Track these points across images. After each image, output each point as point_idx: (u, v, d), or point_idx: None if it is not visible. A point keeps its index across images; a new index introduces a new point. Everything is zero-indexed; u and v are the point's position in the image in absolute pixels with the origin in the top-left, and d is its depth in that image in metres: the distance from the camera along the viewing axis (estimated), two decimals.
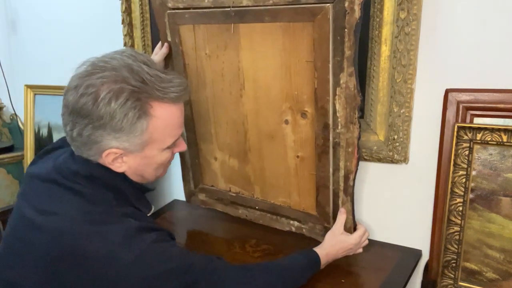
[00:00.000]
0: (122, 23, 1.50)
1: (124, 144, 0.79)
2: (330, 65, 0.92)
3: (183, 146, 0.92)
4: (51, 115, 1.83)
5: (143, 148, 0.81)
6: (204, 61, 1.12)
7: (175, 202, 1.53)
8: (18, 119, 2.05)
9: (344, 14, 0.87)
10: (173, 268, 0.75)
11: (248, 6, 0.97)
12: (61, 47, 1.83)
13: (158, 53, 1.17)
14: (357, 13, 0.86)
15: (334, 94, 0.95)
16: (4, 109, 2.12)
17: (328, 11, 0.87)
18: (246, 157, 1.18)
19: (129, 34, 1.51)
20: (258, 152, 1.15)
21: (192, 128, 1.25)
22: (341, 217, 1.06)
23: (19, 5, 1.96)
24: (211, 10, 1.03)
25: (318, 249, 1.01)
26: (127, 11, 1.48)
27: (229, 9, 1.00)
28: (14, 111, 2.05)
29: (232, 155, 1.21)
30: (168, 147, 0.85)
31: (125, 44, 1.52)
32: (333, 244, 1.03)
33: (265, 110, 1.08)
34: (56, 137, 1.83)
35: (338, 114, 0.97)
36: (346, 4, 0.86)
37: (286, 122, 1.06)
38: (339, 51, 0.91)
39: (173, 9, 1.09)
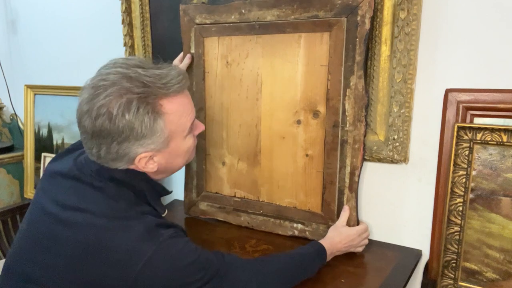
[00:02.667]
0: (122, 23, 1.50)
1: (151, 147, 0.82)
2: (342, 69, 1.05)
3: (201, 126, 0.97)
4: (51, 115, 1.83)
5: (168, 144, 0.85)
6: (225, 69, 1.24)
7: (175, 202, 1.53)
8: (18, 119, 2.05)
9: (356, 26, 1.02)
10: (191, 263, 0.78)
11: (272, 21, 1.13)
12: (61, 47, 1.83)
13: (181, 64, 1.26)
14: (367, 25, 1.01)
15: (344, 95, 1.07)
16: (4, 109, 2.12)
17: (343, 23, 1.03)
18: (255, 159, 1.23)
19: (129, 34, 1.51)
20: (268, 153, 1.21)
21: (203, 134, 1.30)
22: (345, 213, 1.11)
23: (19, 5, 1.96)
24: (236, 24, 1.18)
25: (322, 241, 1.05)
26: (127, 11, 1.49)
27: (254, 23, 1.15)
28: (14, 111, 2.05)
29: (241, 158, 1.26)
30: (189, 132, 0.89)
31: (125, 44, 1.52)
32: (336, 235, 1.07)
33: (280, 112, 1.17)
34: (56, 137, 1.83)
35: (347, 113, 1.08)
36: (358, 18, 1.02)
37: (299, 122, 1.15)
38: (351, 57, 1.05)
39: (200, 24, 1.24)
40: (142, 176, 0.86)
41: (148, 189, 0.87)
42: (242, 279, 0.86)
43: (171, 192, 0.96)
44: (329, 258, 1.04)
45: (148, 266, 0.73)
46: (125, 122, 0.77)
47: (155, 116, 0.80)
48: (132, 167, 0.84)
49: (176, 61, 1.30)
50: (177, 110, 0.84)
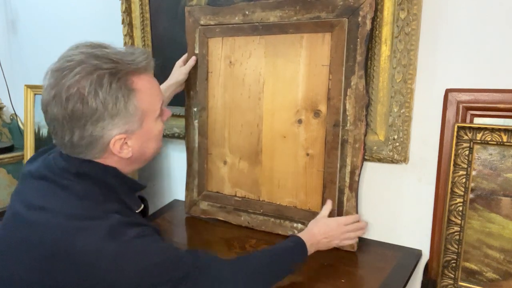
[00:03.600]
0: (122, 23, 1.50)
1: (125, 127, 0.79)
2: (343, 69, 1.07)
3: (168, 112, 0.94)
4: None
5: (141, 124, 0.82)
6: (228, 69, 1.25)
7: (175, 202, 1.53)
8: (18, 119, 2.05)
9: (358, 26, 1.04)
10: (160, 262, 0.74)
11: (275, 22, 1.15)
12: (61, 47, 1.82)
13: (185, 66, 1.29)
14: (368, 26, 1.02)
15: (345, 95, 1.08)
16: (4, 109, 2.12)
17: (345, 23, 1.05)
18: (257, 159, 1.24)
19: (129, 34, 1.51)
20: (269, 152, 1.22)
21: (205, 133, 1.32)
22: (326, 206, 1.12)
23: (19, 5, 1.96)
24: (240, 25, 1.20)
25: (300, 233, 1.03)
26: (127, 11, 1.49)
27: (257, 24, 1.17)
28: (14, 111, 2.05)
29: (242, 158, 1.27)
30: (159, 115, 0.87)
31: (125, 44, 1.52)
32: (314, 226, 1.06)
33: (281, 111, 1.18)
34: None
35: (347, 113, 1.08)
36: (360, 18, 1.03)
37: (300, 121, 1.16)
38: (352, 57, 1.06)
39: (205, 25, 1.26)
40: (112, 171, 0.83)
41: (119, 184, 0.83)
42: (217, 281, 0.82)
43: (145, 186, 0.93)
44: (311, 250, 1.00)
45: (112, 267, 0.70)
46: (98, 99, 0.74)
47: (129, 92, 0.77)
48: (106, 156, 0.81)
49: (179, 62, 1.30)
50: (147, 88, 0.81)
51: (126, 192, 0.85)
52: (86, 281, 0.71)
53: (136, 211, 0.87)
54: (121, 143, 0.81)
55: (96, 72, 0.74)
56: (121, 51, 0.80)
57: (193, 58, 1.29)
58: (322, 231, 1.04)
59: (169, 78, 1.29)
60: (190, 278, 0.77)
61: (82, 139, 0.77)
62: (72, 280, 0.71)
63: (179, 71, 1.29)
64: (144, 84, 0.81)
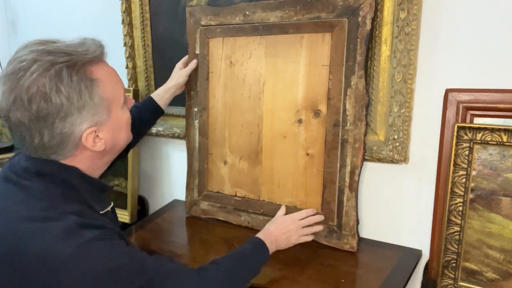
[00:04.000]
0: (122, 23, 1.50)
1: (94, 119, 0.78)
2: (343, 69, 1.07)
3: (131, 100, 0.92)
4: None
5: (109, 113, 0.81)
6: (228, 69, 1.26)
7: (175, 202, 1.53)
8: None
9: (358, 26, 1.04)
10: (118, 268, 0.71)
11: (275, 22, 1.15)
12: None
13: (186, 68, 1.29)
14: (368, 26, 1.03)
15: (345, 94, 1.08)
16: None
17: (345, 24, 1.05)
18: (257, 158, 1.24)
19: (129, 34, 1.51)
20: (269, 152, 1.22)
21: (205, 133, 1.33)
22: (281, 209, 1.17)
23: (19, 5, 1.96)
24: (241, 25, 1.21)
25: (258, 233, 1.04)
26: (127, 11, 1.49)
27: (257, 24, 1.18)
28: None
29: (243, 157, 1.27)
30: (124, 103, 0.86)
31: (125, 44, 1.52)
32: (270, 225, 1.09)
33: (281, 111, 1.19)
34: None
35: (347, 113, 1.09)
36: (359, 18, 1.03)
37: (300, 121, 1.16)
38: (352, 57, 1.06)
39: (206, 25, 1.27)
40: (75, 171, 0.80)
41: (81, 184, 0.80)
42: None
43: (112, 187, 0.90)
44: (271, 248, 1.00)
45: (65, 270, 0.67)
46: (61, 95, 0.72)
47: (91, 82, 0.76)
48: (78, 152, 0.79)
49: (179, 64, 1.30)
50: (107, 76, 0.80)
51: (89, 192, 0.82)
52: (40, 285, 0.68)
53: (101, 212, 0.84)
54: (93, 136, 0.79)
55: (52, 68, 0.72)
56: (71, 43, 0.79)
57: (194, 61, 1.29)
58: (279, 228, 1.06)
59: (168, 80, 1.29)
60: (155, 286, 0.75)
61: (53, 139, 0.75)
62: (26, 283, 0.69)
63: (179, 74, 1.29)
64: (103, 73, 0.80)
